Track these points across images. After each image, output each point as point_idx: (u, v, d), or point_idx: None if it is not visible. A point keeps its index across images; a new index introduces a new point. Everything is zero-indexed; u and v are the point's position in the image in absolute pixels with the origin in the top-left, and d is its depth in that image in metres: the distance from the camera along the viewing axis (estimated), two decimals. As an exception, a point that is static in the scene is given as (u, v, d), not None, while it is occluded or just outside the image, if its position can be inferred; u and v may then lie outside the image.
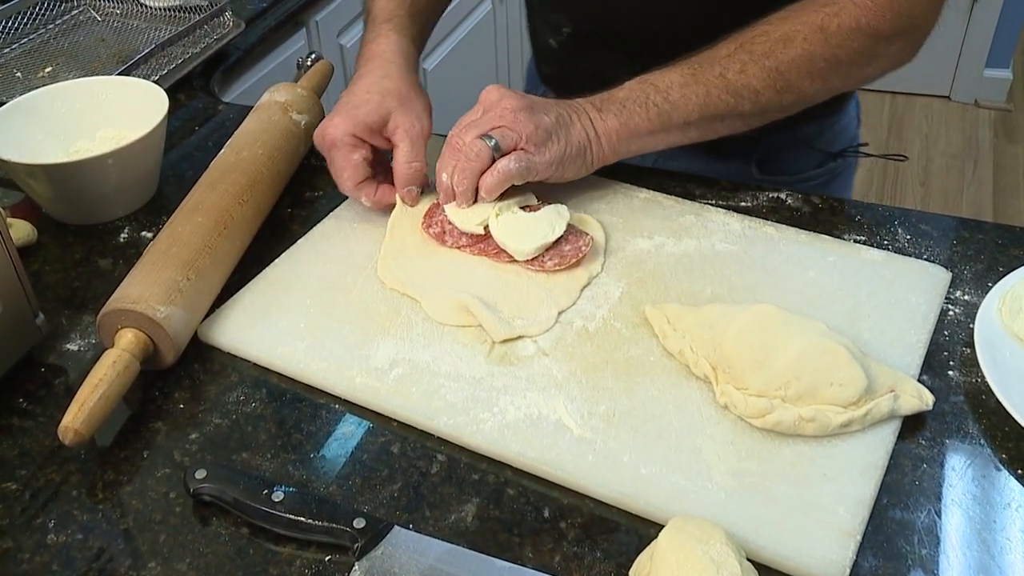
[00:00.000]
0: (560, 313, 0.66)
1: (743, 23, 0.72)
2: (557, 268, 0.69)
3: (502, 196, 0.71)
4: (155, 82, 0.85)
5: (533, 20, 0.93)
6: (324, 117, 0.76)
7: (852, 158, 0.93)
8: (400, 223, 0.73)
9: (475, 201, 0.70)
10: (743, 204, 0.78)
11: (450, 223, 0.71)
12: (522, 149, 0.69)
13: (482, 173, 0.69)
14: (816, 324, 0.60)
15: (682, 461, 0.55)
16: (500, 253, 0.70)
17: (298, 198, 0.81)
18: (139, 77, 0.88)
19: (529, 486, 0.55)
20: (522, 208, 0.72)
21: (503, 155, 0.69)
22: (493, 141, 0.68)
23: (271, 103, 0.83)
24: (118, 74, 0.93)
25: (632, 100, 0.71)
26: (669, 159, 0.83)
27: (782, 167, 0.89)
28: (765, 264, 0.70)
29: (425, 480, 0.56)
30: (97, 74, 0.96)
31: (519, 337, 0.64)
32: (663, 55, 0.74)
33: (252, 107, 0.84)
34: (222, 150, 0.78)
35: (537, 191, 0.73)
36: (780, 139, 0.78)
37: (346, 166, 0.73)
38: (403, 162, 0.73)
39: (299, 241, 0.74)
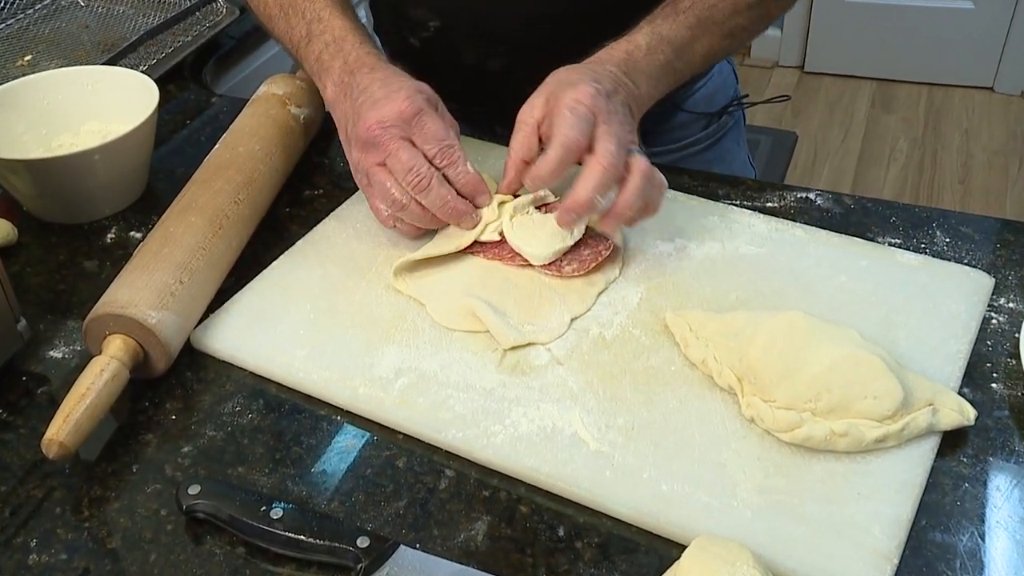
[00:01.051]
0: (573, 320, 0.67)
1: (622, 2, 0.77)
2: (575, 273, 0.70)
3: (517, 194, 0.72)
4: (144, 72, 0.86)
5: (385, 21, 0.91)
6: (323, 109, 0.77)
7: (737, 112, 0.99)
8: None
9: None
10: (769, 205, 0.79)
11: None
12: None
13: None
14: (848, 332, 0.61)
15: (706, 477, 0.56)
16: (515, 257, 0.71)
17: (297, 197, 0.83)
18: (126, 67, 0.89)
19: (543, 503, 0.56)
20: (538, 208, 0.73)
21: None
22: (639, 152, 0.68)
23: (268, 95, 0.84)
24: (104, 64, 0.95)
25: (656, 67, 0.73)
26: None
27: (666, 138, 0.93)
28: (793, 268, 0.71)
29: (433, 496, 0.57)
30: (81, 63, 0.97)
31: (530, 344, 0.65)
32: (544, 39, 0.75)
33: (248, 100, 0.86)
34: (216, 145, 0.79)
35: (554, 188, 0.75)
36: (659, 110, 0.80)
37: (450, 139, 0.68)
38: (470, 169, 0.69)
39: (298, 242, 0.75)
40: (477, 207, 0.71)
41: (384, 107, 0.68)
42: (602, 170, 0.65)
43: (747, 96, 1.00)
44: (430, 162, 0.68)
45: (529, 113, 0.68)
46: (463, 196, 0.70)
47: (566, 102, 0.66)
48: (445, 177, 0.69)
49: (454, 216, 0.70)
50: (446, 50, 0.87)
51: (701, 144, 0.96)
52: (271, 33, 0.83)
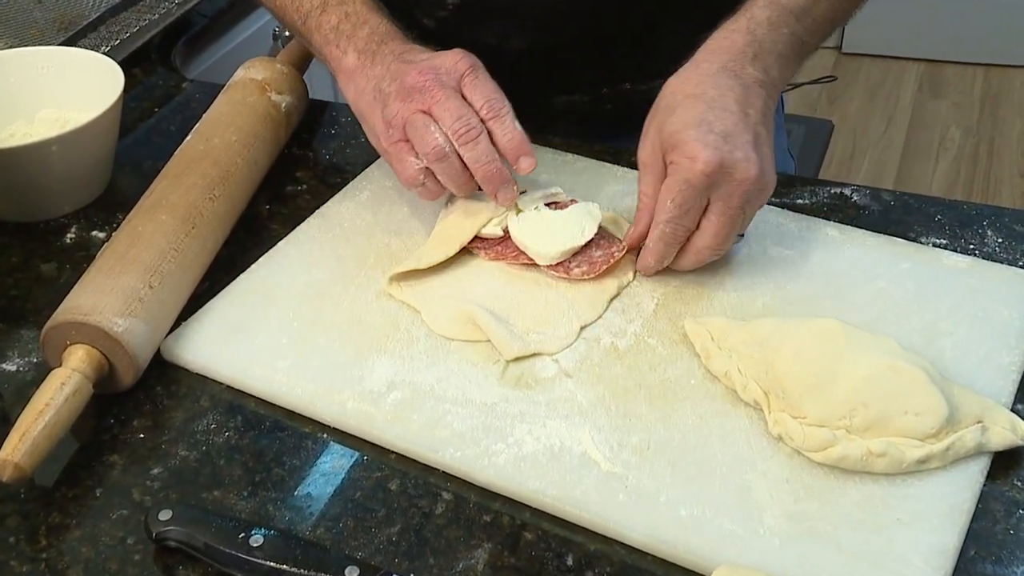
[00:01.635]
0: (583, 328, 0.68)
1: None
2: (585, 277, 0.71)
3: (524, 191, 0.74)
4: (106, 54, 0.88)
5: (395, 2, 0.93)
6: (307, 97, 0.78)
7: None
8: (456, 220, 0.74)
9: None
10: (800, 201, 0.80)
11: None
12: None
13: None
14: (887, 342, 0.62)
15: (729, 502, 0.57)
16: (519, 256, 0.73)
17: (278, 193, 0.84)
18: (86, 48, 0.91)
19: (550, 529, 0.58)
20: (547, 205, 0.74)
21: None
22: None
23: (246, 81, 0.86)
24: (60, 44, 0.96)
25: (784, 42, 0.73)
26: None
27: None
28: (826, 272, 0.72)
29: (428, 522, 0.58)
30: (34, 43, 0.98)
31: (535, 355, 0.66)
32: (571, 14, 0.76)
33: (223, 86, 0.87)
34: (188, 136, 0.81)
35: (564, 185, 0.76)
36: None
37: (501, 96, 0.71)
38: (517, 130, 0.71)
39: (280, 243, 0.77)
40: (520, 171, 0.72)
41: (437, 59, 0.72)
42: (695, 253, 0.69)
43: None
44: (478, 112, 0.71)
45: (648, 153, 0.70)
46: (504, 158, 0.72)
47: (679, 171, 0.66)
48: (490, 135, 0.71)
49: (494, 180, 0.71)
50: (465, 30, 0.88)
51: None
52: (268, 4, 0.85)
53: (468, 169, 0.71)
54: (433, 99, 0.70)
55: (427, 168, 0.71)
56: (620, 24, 0.74)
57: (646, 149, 0.70)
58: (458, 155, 0.70)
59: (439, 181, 0.72)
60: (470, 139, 0.70)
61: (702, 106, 0.68)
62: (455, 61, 0.71)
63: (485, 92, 0.71)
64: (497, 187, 0.71)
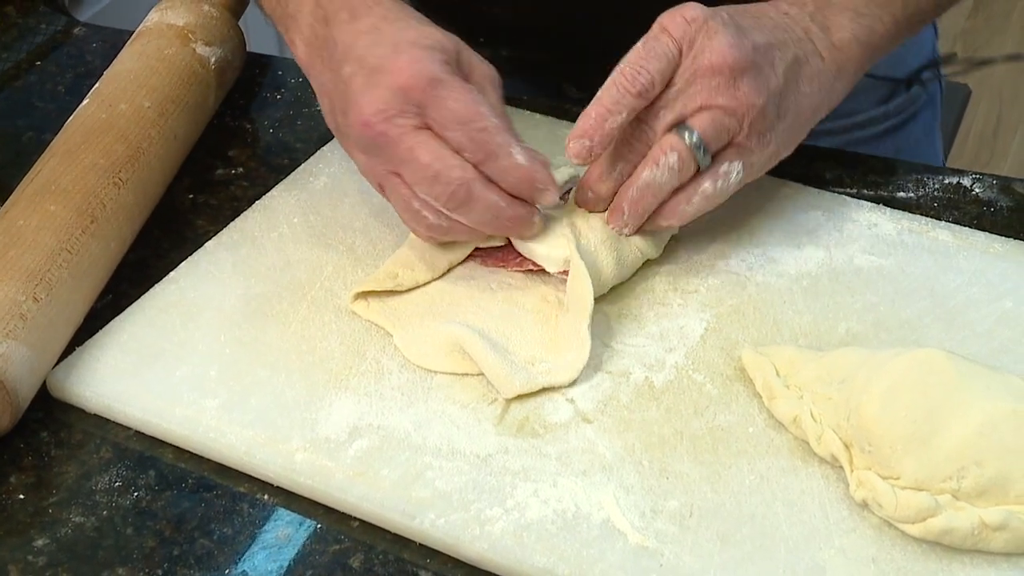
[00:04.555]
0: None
1: None
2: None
3: None
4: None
5: None
6: (245, 50, 0.82)
7: (934, 84, 1.01)
8: None
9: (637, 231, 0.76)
10: (901, 195, 0.85)
11: None
12: (737, 144, 0.73)
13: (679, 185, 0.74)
14: (1011, 381, 0.66)
15: None
16: (523, 262, 0.77)
17: (205, 178, 0.88)
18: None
19: (560, 620, 0.61)
20: (562, 196, 0.78)
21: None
22: (697, 141, 0.72)
23: (162, 28, 0.90)
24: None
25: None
26: None
27: None
28: (934, 288, 0.76)
29: (401, 609, 0.62)
30: None
31: (543, 392, 0.70)
32: None
33: (130, 32, 0.92)
34: (84, 100, 0.85)
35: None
36: None
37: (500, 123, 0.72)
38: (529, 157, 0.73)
39: (208, 243, 0.81)
40: (541, 204, 0.75)
41: (380, 84, 0.71)
42: (652, 164, 0.72)
43: (954, 56, 1.00)
44: (461, 155, 0.72)
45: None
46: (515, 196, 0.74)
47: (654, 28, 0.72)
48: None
49: (511, 228, 0.75)
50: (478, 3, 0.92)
51: (877, 126, 0.99)
52: None
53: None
54: (395, 156, 0.72)
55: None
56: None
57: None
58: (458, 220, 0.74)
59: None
60: (459, 203, 0.72)
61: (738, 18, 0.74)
62: (403, 84, 0.71)
63: (457, 118, 0.71)
64: (518, 232, 0.75)
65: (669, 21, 0.72)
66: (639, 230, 0.76)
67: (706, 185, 0.74)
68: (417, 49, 0.72)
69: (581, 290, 0.73)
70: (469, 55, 0.76)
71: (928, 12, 0.82)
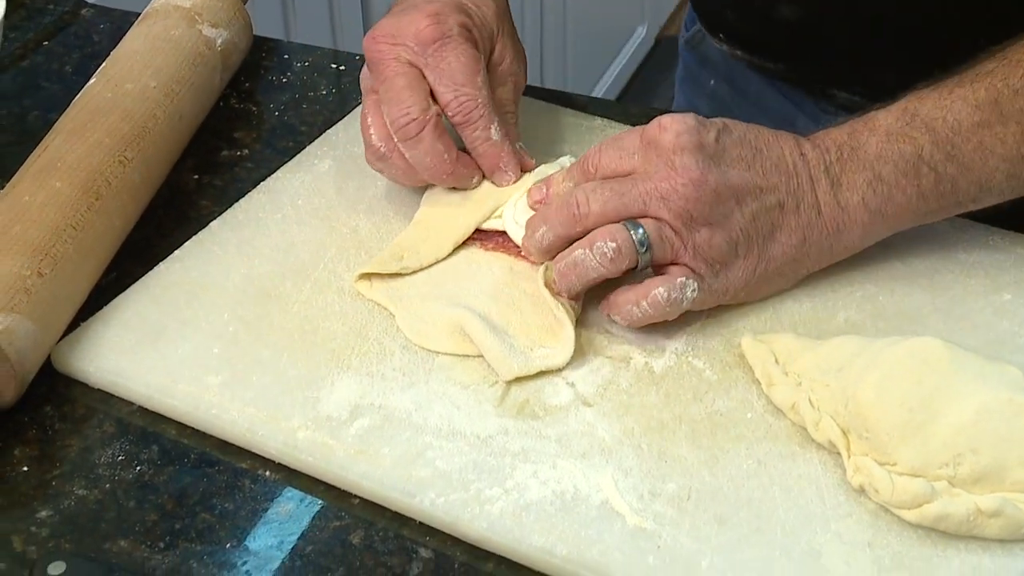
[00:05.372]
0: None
1: None
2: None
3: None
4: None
5: None
6: (251, 33, 0.83)
7: None
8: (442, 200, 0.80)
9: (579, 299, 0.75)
10: (903, 185, 0.85)
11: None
12: (685, 266, 0.72)
13: (608, 277, 0.72)
14: (1007, 370, 0.66)
15: (792, 570, 0.61)
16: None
17: (211, 159, 0.89)
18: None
19: (557, 600, 0.62)
20: None
21: (652, 265, 0.72)
22: (641, 234, 0.71)
23: (168, 9, 0.90)
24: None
25: (893, 162, 0.73)
26: None
27: None
28: (933, 279, 0.77)
29: (400, 586, 0.62)
30: None
31: (542, 375, 0.71)
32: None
33: (136, 14, 0.92)
34: (91, 80, 0.86)
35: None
36: None
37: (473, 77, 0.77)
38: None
39: (212, 224, 0.82)
40: (497, 184, 0.79)
41: (401, 20, 0.78)
42: (587, 244, 0.72)
43: None
44: (444, 111, 0.77)
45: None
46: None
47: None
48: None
49: (446, 181, 0.78)
50: None
51: None
52: None
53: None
54: (381, 73, 0.77)
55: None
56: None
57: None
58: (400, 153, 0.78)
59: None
60: (408, 136, 0.76)
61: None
62: (418, 29, 0.77)
63: (453, 80, 0.77)
64: (454, 182, 0.79)
65: (656, 130, 0.72)
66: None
67: (660, 290, 0.71)
68: (445, 8, 0.78)
69: (540, 282, 0.74)
70: (506, 46, 0.81)
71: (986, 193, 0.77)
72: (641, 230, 0.71)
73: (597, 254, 0.71)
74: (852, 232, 0.75)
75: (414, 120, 0.76)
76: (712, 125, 0.73)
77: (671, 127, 0.71)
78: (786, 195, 0.73)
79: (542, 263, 0.74)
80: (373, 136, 0.78)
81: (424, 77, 0.77)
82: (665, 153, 0.71)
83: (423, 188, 0.82)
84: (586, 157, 0.75)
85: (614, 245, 0.71)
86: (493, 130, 0.78)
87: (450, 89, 0.77)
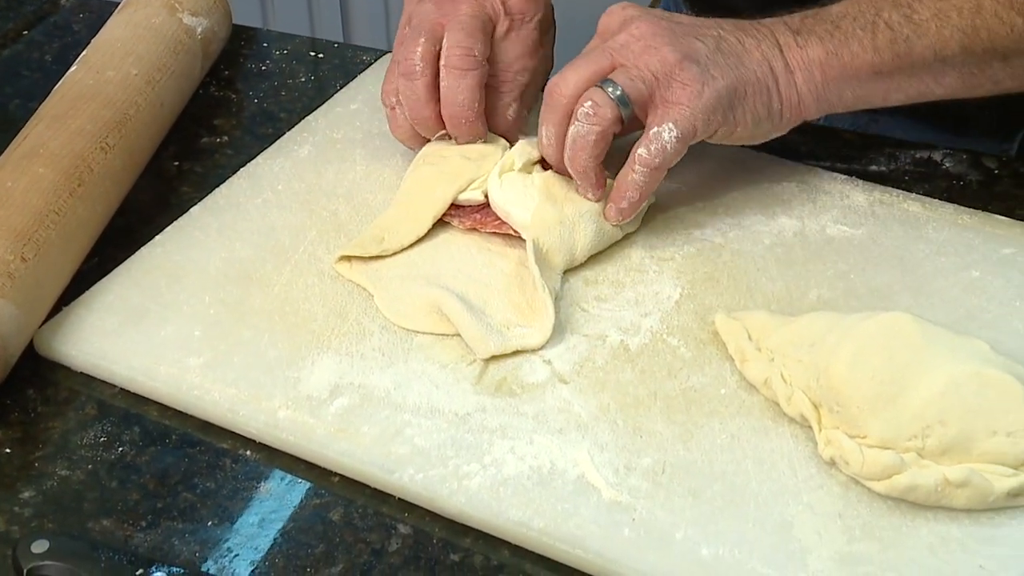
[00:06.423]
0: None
1: None
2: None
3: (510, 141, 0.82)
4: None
5: None
6: (231, 21, 0.84)
7: None
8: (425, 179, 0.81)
9: (603, 187, 0.78)
10: (874, 168, 0.86)
11: None
12: (667, 102, 0.74)
13: (606, 137, 0.76)
14: (975, 344, 0.67)
15: (764, 540, 0.62)
16: (502, 225, 0.79)
17: (191, 146, 0.89)
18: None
19: (535, 572, 0.63)
20: (538, 163, 0.81)
21: (635, 112, 0.75)
22: (614, 88, 0.74)
23: (149, -3, 0.91)
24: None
25: (852, 17, 0.77)
26: (873, 122, 0.91)
27: None
28: (904, 257, 0.78)
29: (380, 561, 0.63)
30: None
31: (519, 354, 0.72)
32: None
33: (116, 5, 0.92)
34: (72, 67, 0.86)
35: None
36: None
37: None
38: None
39: (193, 209, 0.83)
40: (457, 140, 0.81)
41: None
42: (573, 120, 0.76)
43: None
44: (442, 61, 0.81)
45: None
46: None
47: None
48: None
49: (464, 125, 0.82)
50: None
51: None
52: None
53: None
54: (456, 6, 0.81)
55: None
56: None
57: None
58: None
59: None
60: (459, 67, 0.80)
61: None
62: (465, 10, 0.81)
63: (455, 38, 0.80)
64: (467, 134, 0.81)
65: (603, 21, 0.79)
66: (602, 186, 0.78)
67: (640, 150, 0.75)
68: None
69: (530, 261, 0.75)
70: (533, 25, 0.86)
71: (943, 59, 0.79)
72: (610, 82, 0.75)
73: (583, 119, 0.75)
74: (812, 71, 0.77)
75: (474, 56, 0.79)
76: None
77: (612, 10, 0.78)
78: (745, 36, 0.77)
79: (561, 164, 0.78)
80: (417, 52, 0.80)
81: (493, 30, 0.82)
82: (615, 24, 0.78)
83: (399, 175, 0.83)
84: (552, 83, 0.78)
85: (590, 103, 0.74)
86: (469, 88, 0.80)
87: (451, 40, 0.80)
